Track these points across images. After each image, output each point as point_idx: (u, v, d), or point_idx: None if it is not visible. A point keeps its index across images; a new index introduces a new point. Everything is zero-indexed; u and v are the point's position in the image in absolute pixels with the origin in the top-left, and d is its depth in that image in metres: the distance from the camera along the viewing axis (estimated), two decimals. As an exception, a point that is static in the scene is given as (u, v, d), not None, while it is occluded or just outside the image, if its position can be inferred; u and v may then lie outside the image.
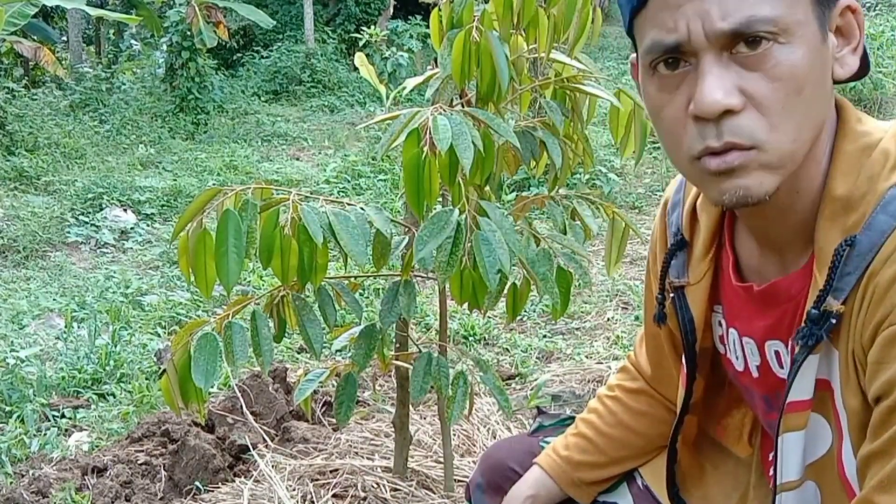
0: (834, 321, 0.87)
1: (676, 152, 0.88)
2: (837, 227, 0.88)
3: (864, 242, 0.85)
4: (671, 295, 1.09)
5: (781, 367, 0.99)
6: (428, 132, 1.56)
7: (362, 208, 1.71)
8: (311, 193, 1.76)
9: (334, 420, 2.26)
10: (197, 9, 9.78)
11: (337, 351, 3.29)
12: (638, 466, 1.29)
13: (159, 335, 4.16)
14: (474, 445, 2.53)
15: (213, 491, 2.38)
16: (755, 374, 1.03)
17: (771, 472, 1.02)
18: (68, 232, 6.44)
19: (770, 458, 1.03)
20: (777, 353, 0.99)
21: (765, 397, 1.04)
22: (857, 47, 0.88)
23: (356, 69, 5.82)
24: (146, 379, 3.45)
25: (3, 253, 6.04)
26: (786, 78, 0.82)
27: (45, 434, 2.98)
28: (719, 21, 0.81)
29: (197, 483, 2.40)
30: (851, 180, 0.88)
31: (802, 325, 0.90)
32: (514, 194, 5.64)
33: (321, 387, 2.13)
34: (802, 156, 0.86)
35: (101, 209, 6.85)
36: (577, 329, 3.78)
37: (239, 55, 13.57)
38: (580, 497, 1.29)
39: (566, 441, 1.31)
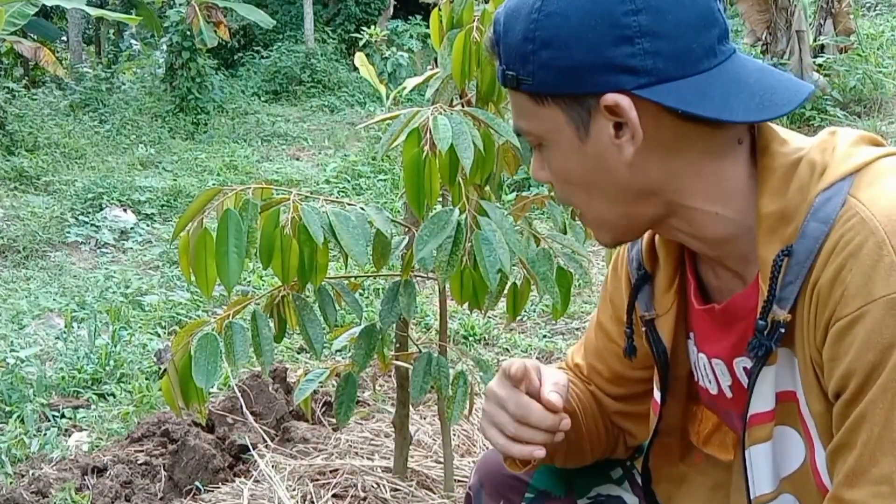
0: (783, 330, 0.90)
1: None
2: (777, 240, 0.91)
3: (801, 251, 0.88)
4: (643, 328, 1.11)
5: None
6: (428, 132, 1.56)
7: (362, 208, 1.71)
8: (312, 193, 1.76)
9: (334, 420, 2.26)
10: (197, 9, 9.78)
11: (337, 351, 3.29)
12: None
13: (159, 335, 4.16)
14: (474, 445, 2.53)
15: (213, 491, 2.38)
16: (729, 394, 1.05)
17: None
18: (68, 232, 6.44)
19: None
20: (745, 368, 1.01)
21: (741, 416, 1.05)
22: (634, 136, 0.90)
23: (356, 69, 5.82)
24: (146, 379, 3.45)
25: (3, 253, 6.04)
26: (553, 172, 0.98)
27: (45, 434, 2.98)
28: (513, 122, 1.01)
29: (197, 483, 2.41)
30: (782, 195, 0.91)
31: (753, 336, 0.93)
32: (514, 194, 5.63)
33: (321, 387, 2.13)
34: (624, 218, 0.97)
35: (101, 209, 6.85)
36: (577, 329, 3.78)
37: (239, 55, 13.57)
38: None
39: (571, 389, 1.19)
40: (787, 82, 0.94)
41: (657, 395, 1.13)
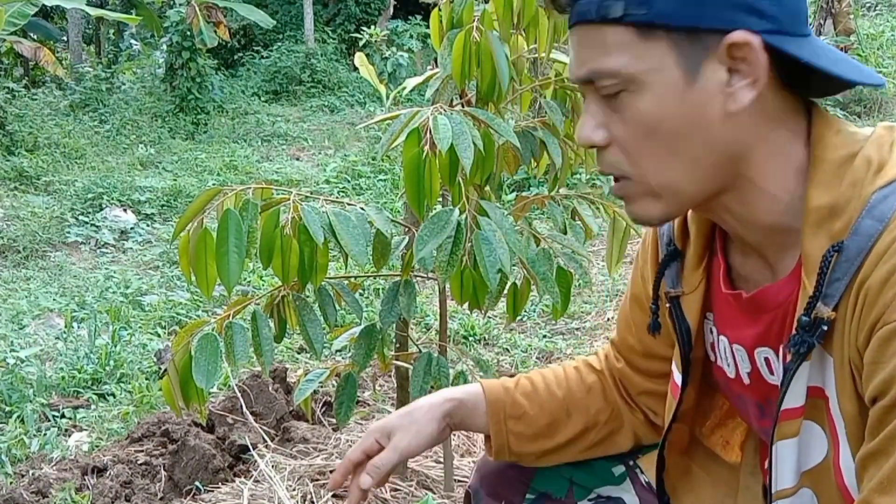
0: (825, 328, 0.88)
1: None
2: (824, 234, 0.88)
3: (852, 248, 0.85)
4: (668, 305, 1.10)
5: (772, 373, 1.00)
6: (428, 132, 1.56)
7: (362, 208, 1.71)
8: (312, 193, 1.76)
9: (334, 420, 2.26)
10: (197, 9, 9.78)
11: (337, 351, 3.29)
12: (551, 457, 1.25)
13: (159, 335, 4.17)
14: (474, 445, 2.52)
15: (213, 491, 2.38)
16: (746, 380, 1.04)
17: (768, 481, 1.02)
18: (68, 232, 6.44)
19: (766, 466, 1.04)
20: (767, 359, 0.99)
21: (757, 404, 1.04)
22: (756, 81, 0.87)
23: (356, 69, 5.82)
24: (146, 379, 3.45)
25: (3, 253, 6.04)
26: (636, 123, 0.88)
27: (45, 434, 2.98)
28: (576, 69, 0.91)
29: (197, 483, 2.40)
30: (834, 189, 0.88)
31: (794, 332, 0.90)
32: (514, 194, 5.64)
33: (321, 387, 2.13)
34: (695, 184, 0.90)
35: (101, 209, 6.85)
36: (577, 329, 3.78)
37: (239, 55, 13.57)
38: (494, 443, 1.24)
39: (517, 381, 1.27)
40: (856, 62, 0.94)
41: (677, 376, 1.12)
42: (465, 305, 1.75)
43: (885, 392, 0.82)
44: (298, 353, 3.65)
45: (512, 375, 3.24)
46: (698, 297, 1.06)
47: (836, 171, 0.89)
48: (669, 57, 0.86)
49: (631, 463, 1.30)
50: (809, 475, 0.96)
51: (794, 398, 0.94)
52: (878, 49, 8.61)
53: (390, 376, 3.02)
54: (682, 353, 1.09)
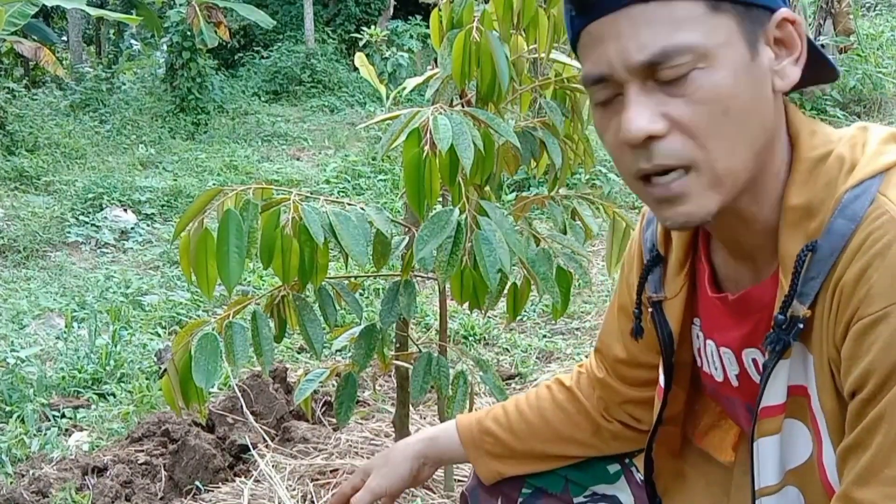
0: (801, 326, 0.89)
1: (623, 173, 0.92)
2: (800, 234, 0.89)
3: (825, 247, 0.87)
4: (650, 310, 1.11)
5: (759, 374, 1.00)
6: (428, 132, 1.56)
7: (362, 208, 1.71)
8: (312, 193, 1.76)
9: (334, 420, 2.26)
10: (197, 9, 9.78)
11: (337, 351, 3.29)
12: (537, 473, 1.30)
13: (159, 335, 4.16)
14: (474, 445, 2.52)
15: (213, 491, 2.38)
16: (735, 383, 1.05)
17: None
18: (68, 232, 6.44)
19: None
20: (754, 360, 1.01)
21: (746, 405, 1.05)
22: (800, 57, 0.89)
23: (356, 69, 5.82)
24: (146, 379, 3.45)
25: (3, 253, 6.04)
26: (709, 101, 0.84)
27: (45, 434, 2.98)
28: (636, 54, 0.84)
29: (197, 483, 2.41)
30: (809, 188, 0.89)
31: (770, 330, 0.92)
32: (514, 194, 5.63)
33: (321, 387, 2.13)
34: (747, 171, 0.88)
35: (102, 209, 6.85)
36: (577, 329, 3.78)
37: (239, 55, 13.57)
38: (479, 469, 1.31)
39: (491, 408, 1.34)
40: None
41: (662, 380, 1.13)
42: (465, 305, 1.75)
43: (863, 386, 0.84)
44: (298, 353, 3.65)
45: (512, 377, 3.24)
46: (681, 302, 1.07)
47: (809, 171, 0.90)
48: (735, 32, 0.85)
49: (626, 461, 1.31)
50: (795, 473, 0.97)
51: (774, 396, 0.95)
52: (878, 49, 8.60)
53: (390, 376, 3.02)
54: (664, 358, 1.11)
